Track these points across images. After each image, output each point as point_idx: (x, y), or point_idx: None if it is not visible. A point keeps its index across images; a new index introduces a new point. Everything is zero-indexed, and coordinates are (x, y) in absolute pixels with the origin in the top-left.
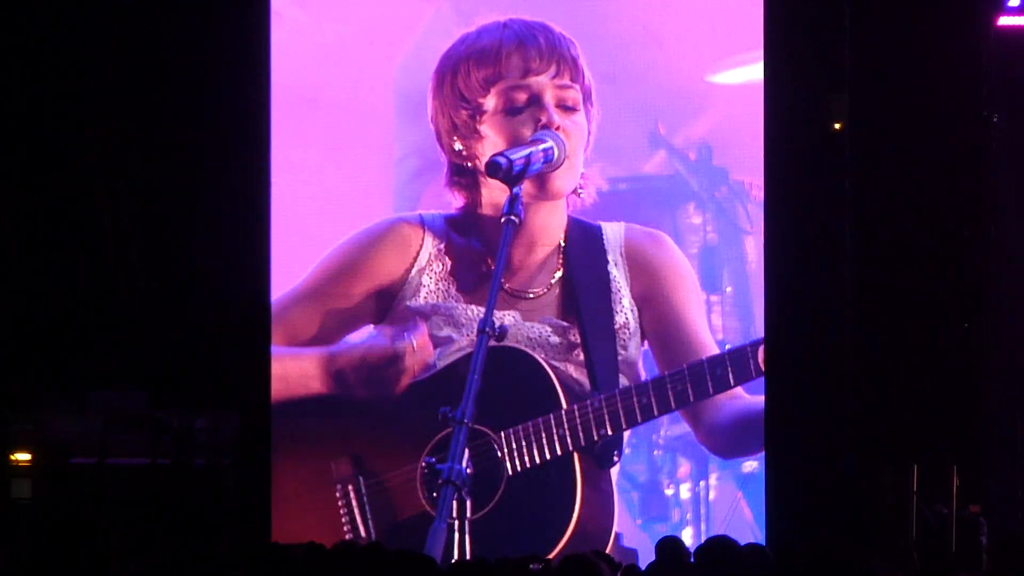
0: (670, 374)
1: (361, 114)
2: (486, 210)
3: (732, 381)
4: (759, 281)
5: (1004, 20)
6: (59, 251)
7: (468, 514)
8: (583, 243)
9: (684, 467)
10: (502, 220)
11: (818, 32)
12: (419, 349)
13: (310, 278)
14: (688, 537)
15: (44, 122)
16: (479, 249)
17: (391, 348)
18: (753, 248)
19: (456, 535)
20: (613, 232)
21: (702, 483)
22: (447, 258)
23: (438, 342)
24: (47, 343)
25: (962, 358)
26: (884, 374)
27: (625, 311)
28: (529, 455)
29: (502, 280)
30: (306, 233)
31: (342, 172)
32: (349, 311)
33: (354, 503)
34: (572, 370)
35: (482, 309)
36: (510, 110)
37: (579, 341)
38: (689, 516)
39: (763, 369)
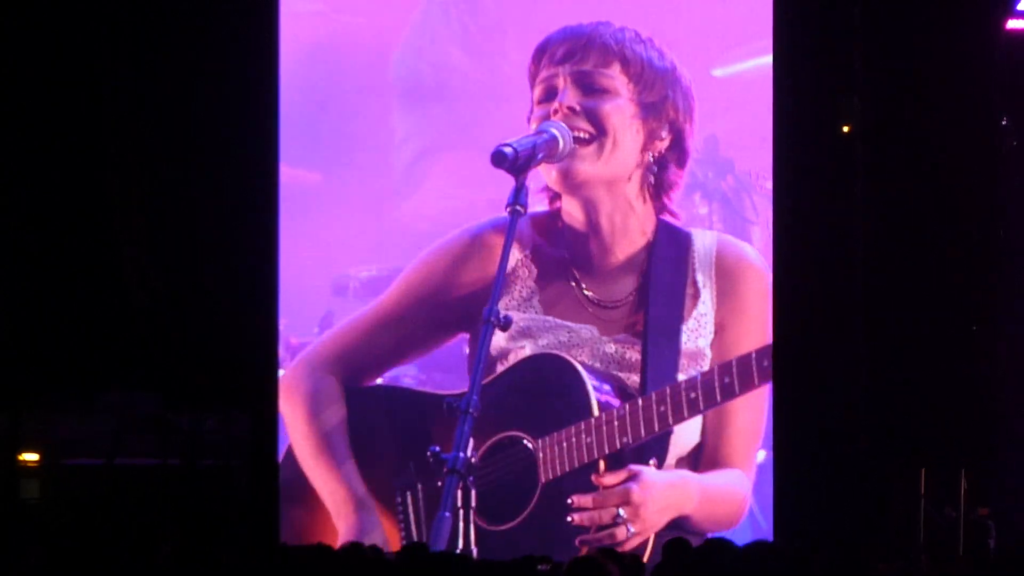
0: (685, 381)
1: (367, 107)
2: (569, 219)
3: (737, 389)
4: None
5: (1013, 23)
6: (70, 251)
7: (472, 503)
8: (670, 250)
9: None
10: (507, 210)
11: (828, 34)
12: None
13: (391, 301)
14: None
15: (53, 122)
16: (565, 258)
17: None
18: (759, 238)
19: (460, 525)
20: (704, 245)
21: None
22: (533, 266)
23: (510, 350)
24: (58, 343)
25: (971, 360)
26: (893, 375)
27: (704, 336)
28: (560, 462)
29: (583, 286)
30: (316, 233)
31: (351, 171)
32: (435, 333)
33: (411, 511)
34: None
35: (556, 320)
36: (540, 101)
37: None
38: None
39: (767, 376)
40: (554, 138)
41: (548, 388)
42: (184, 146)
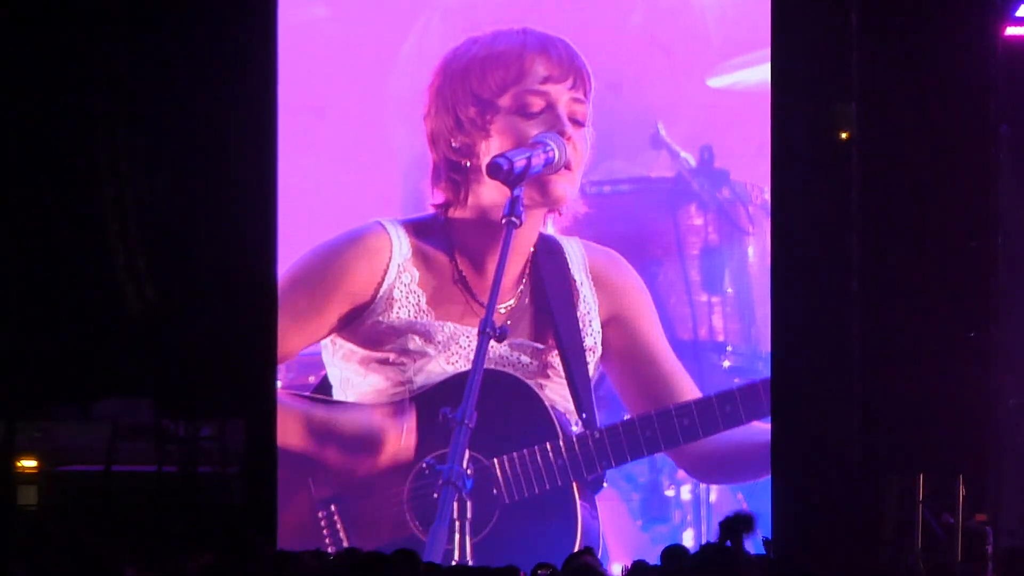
0: (676, 407)
1: (365, 119)
2: (466, 212)
3: (744, 417)
4: (760, 282)
5: (1012, 30)
6: (66, 259)
7: (468, 515)
8: (548, 256)
9: None
10: (503, 221)
11: (826, 42)
12: (405, 437)
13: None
14: (689, 539)
15: (51, 129)
16: (447, 256)
17: (379, 431)
18: (754, 249)
19: (457, 536)
20: (573, 249)
21: (702, 485)
22: (414, 269)
23: (413, 357)
24: (54, 351)
25: (968, 367)
26: (890, 383)
27: (594, 333)
28: (527, 484)
29: (471, 286)
30: (312, 240)
31: (349, 179)
32: (315, 324)
33: (338, 525)
34: (548, 391)
35: (455, 325)
36: (524, 113)
37: (556, 363)
38: (690, 518)
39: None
40: (552, 150)
41: (501, 407)
42: (181, 153)
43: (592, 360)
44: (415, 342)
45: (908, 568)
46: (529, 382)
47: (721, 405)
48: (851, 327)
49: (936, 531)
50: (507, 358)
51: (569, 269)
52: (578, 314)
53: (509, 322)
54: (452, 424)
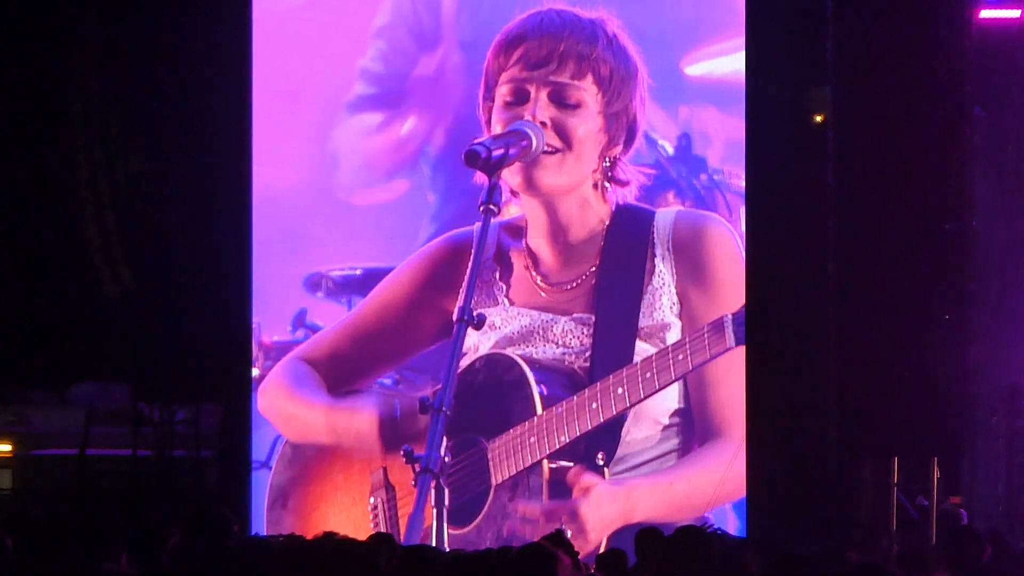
0: (613, 376)
1: (340, 104)
2: (527, 212)
3: (691, 364)
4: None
5: (986, 13)
6: (42, 244)
7: (446, 503)
8: (628, 231)
9: None
10: (480, 209)
11: (800, 25)
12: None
13: (364, 311)
14: None
15: (26, 115)
16: (521, 248)
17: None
18: None
19: (434, 523)
20: (664, 220)
21: None
22: (496, 265)
23: (477, 343)
24: (30, 335)
25: (943, 350)
26: (865, 366)
27: (664, 308)
28: (509, 463)
29: (534, 273)
30: (288, 224)
31: (323, 164)
32: (411, 340)
33: (382, 516)
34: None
35: (525, 311)
36: (509, 103)
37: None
38: None
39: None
40: (528, 137)
41: (498, 388)
42: (156, 140)
43: (671, 336)
44: (486, 334)
45: (882, 551)
46: (520, 360)
47: (674, 353)
48: (826, 310)
49: (911, 514)
50: (558, 335)
51: (652, 242)
52: (642, 287)
53: (571, 300)
54: (430, 411)
